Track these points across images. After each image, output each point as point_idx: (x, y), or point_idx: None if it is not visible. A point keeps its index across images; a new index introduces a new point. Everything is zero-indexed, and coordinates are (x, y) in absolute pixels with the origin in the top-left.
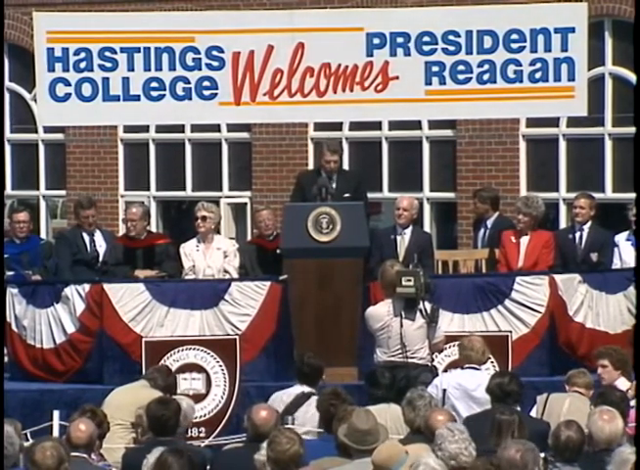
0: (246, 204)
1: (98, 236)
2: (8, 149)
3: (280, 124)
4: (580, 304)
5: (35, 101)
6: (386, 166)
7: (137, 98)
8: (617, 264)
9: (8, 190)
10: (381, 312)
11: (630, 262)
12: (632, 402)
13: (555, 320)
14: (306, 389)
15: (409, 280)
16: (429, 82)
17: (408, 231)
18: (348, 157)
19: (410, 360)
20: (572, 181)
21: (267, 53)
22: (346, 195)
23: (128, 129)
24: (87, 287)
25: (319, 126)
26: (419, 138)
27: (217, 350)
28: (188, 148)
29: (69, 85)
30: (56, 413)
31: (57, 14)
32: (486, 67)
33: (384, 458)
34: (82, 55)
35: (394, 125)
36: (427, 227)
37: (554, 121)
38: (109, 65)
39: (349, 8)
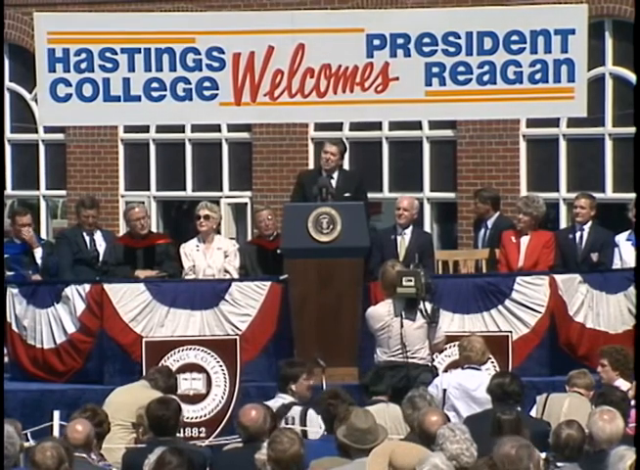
0: (246, 204)
1: (98, 236)
2: (8, 149)
3: (280, 124)
4: (581, 304)
5: (36, 101)
6: (386, 166)
7: (138, 98)
8: (617, 264)
9: (8, 190)
10: (381, 312)
11: (630, 262)
12: (632, 402)
13: (555, 320)
14: (287, 400)
15: (410, 280)
16: (429, 83)
17: (408, 231)
18: (349, 157)
19: (410, 360)
20: (573, 181)
21: (268, 54)
22: (347, 195)
23: (128, 129)
24: (87, 287)
25: (319, 126)
26: (419, 138)
27: (217, 350)
28: (188, 148)
29: (70, 86)
30: (56, 413)
31: (57, 14)
32: (486, 68)
33: (410, 462)
34: (83, 55)
35: (395, 126)
36: (427, 227)
37: (554, 122)
38: (109, 65)
39: (350, 9)
